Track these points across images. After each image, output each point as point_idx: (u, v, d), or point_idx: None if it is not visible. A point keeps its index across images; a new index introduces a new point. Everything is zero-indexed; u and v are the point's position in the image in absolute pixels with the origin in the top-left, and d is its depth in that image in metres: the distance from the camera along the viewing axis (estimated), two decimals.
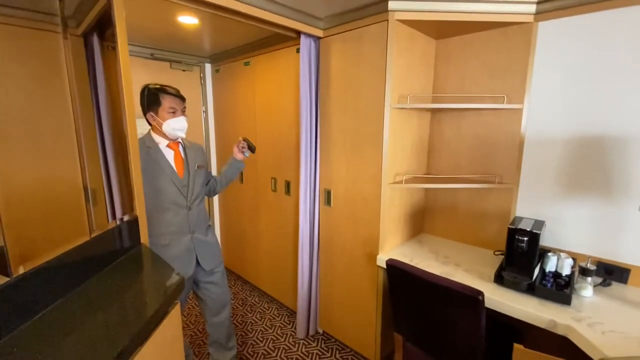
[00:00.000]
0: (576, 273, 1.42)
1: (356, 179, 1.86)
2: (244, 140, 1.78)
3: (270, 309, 2.60)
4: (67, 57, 0.94)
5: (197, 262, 1.63)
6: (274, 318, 2.47)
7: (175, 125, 1.51)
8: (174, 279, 0.99)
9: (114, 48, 1.14)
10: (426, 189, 2.12)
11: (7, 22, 0.78)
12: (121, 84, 1.14)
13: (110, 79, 1.16)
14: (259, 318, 2.48)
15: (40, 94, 0.87)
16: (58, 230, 0.92)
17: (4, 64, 0.77)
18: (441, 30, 1.79)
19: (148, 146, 1.51)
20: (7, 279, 0.72)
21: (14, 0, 0.80)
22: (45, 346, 0.68)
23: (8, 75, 0.78)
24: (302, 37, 1.85)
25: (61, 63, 0.92)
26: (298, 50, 1.97)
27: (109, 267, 1.04)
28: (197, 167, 1.64)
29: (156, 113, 1.50)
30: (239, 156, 1.79)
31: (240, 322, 2.43)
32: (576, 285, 1.37)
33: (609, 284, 1.43)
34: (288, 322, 2.42)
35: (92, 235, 1.01)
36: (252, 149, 1.79)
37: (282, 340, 2.22)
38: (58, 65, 0.92)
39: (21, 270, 0.76)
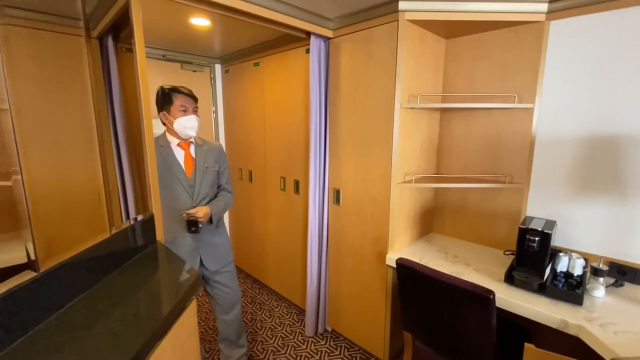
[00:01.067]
0: (588, 273, 1.41)
1: (365, 179, 1.87)
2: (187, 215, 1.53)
3: (279, 307, 2.63)
4: (89, 59, 0.97)
5: (202, 262, 1.65)
6: (283, 316, 2.50)
7: (186, 124, 1.54)
8: (191, 275, 1.02)
9: (129, 50, 1.17)
10: (436, 189, 2.12)
11: (28, 25, 0.80)
12: (138, 84, 1.17)
13: (125, 80, 1.18)
14: (268, 316, 2.50)
15: (62, 96, 0.90)
16: (78, 228, 0.95)
17: (27, 66, 0.79)
18: (451, 30, 1.79)
19: (161, 145, 1.55)
20: (35, 274, 0.75)
21: (36, 3, 0.82)
22: (70, 339, 0.71)
23: (33, 78, 0.81)
24: (312, 38, 1.86)
25: (83, 65, 0.95)
26: (308, 51, 1.98)
27: (128, 263, 1.07)
28: (206, 167, 1.64)
29: (168, 111, 1.53)
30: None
31: (250, 319, 2.46)
32: (588, 286, 1.36)
33: (621, 285, 1.42)
34: (297, 320, 2.45)
35: (112, 233, 1.04)
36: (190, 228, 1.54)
37: (291, 337, 2.25)
38: (80, 67, 0.95)
39: (47, 266, 0.79)
